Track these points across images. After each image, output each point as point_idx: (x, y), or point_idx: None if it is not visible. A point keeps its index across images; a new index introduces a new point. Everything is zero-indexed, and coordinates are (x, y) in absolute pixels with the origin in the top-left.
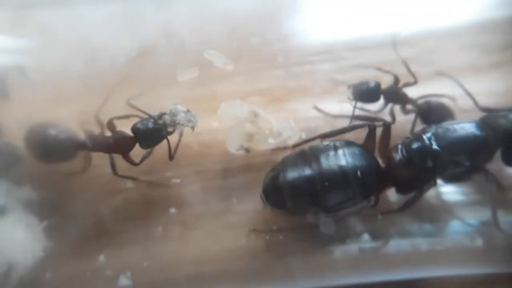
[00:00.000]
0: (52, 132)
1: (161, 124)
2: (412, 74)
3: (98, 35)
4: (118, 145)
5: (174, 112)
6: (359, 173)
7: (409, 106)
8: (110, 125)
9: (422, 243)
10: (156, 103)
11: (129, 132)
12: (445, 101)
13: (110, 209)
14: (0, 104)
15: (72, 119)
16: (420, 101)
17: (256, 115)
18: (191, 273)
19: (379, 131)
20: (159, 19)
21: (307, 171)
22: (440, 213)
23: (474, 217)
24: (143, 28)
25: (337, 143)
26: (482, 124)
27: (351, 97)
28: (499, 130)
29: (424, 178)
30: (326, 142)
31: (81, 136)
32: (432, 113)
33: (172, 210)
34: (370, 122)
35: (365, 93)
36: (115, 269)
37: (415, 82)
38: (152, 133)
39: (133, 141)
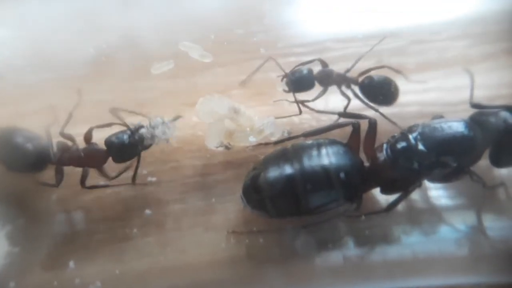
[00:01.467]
0: (20, 140)
1: (137, 138)
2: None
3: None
4: (90, 159)
5: (153, 125)
6: (342, 174)
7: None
8: (88, 136)
9: (407, 251)
10: (134, 97)
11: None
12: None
13: (81, 210)
14: None
15: (40, 113)
16: (361, 78)
17: (236, 111)
18: (165, 283)
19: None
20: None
21: (289, 172)
22: (426, 216)
23: (461, 221)
24: (116, 21)
25: (321, 142)
26: (470, 123)
27: (286, 88)
28: (488, 129)
29: (410, 179)
30: (309, 141)
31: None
32: (374, 87)
33: (148, 211)
34: (355, 119)
35: (299, 81)
36: (84, 277)
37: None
38: (126, 147)
39: (106, 155)
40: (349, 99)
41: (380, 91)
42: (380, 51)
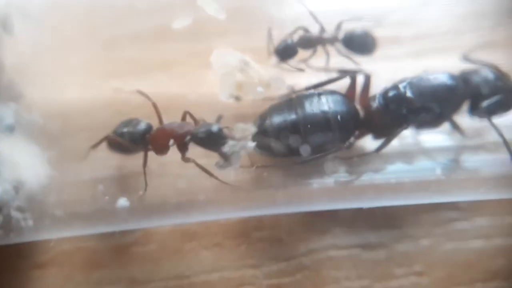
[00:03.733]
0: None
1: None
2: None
3: None
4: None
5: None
6: (339, 117)
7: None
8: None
9: (392, 177)
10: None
11: None
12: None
13: None
14: (3, 40)
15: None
16: (342, 34)
17: (246, 63)
18: (183, 200)
19: None
20: None
21: (292, 116)
22: (411, 155)
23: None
24: None
25: (321, 92)
26: (454, 76)
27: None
28: (469, 84)
29: (398, 123)
30: (311, 91)
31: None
32: (355, 39)
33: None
34: (351, 73)
35: (284, 50)
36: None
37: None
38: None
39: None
40: (328, 55)
41: (361, 41)
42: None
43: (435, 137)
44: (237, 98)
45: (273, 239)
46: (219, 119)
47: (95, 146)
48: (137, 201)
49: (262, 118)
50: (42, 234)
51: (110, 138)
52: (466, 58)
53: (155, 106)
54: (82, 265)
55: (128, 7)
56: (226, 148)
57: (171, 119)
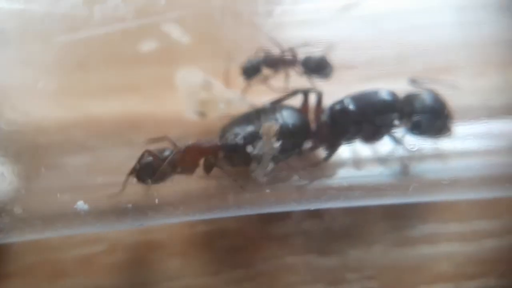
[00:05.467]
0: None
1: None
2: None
3: None
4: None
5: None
6: (289, 128)
7: None
8: None
9: (343, 182)
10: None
11: None
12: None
13: None
14: None
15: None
16: (302, 57)
17: (209, 82)
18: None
19: None
20: None
21: (250, 128)
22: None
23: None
24: None
25: (277, 106)
26: (393, 93)
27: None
28: (408, 104)
29: (342, 135)
30: (268, 106)
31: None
32: (312, 64)
33: None
34: (303, 91)
35: (250, 69)
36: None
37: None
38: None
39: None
40: (287, 76)
41: (318, 65)
42: None
43: (384, 146)
44: (202, 115)
45: (235, 248)
46: (182, 140)
47: (123, 188)
48: (96, 203)
49: (223, 131)
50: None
51: (138, 172)
52: (412, 82)
53: None
54: (47, 275)
55: (98, 34)
56: (255, 151)
57: (141, 137)
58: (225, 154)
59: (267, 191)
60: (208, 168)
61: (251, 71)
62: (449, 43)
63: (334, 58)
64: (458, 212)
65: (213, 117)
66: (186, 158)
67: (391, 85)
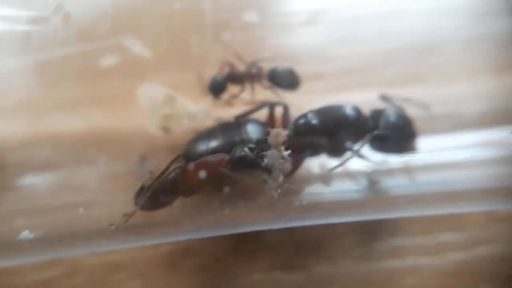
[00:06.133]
0: None
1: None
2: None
3: None
4: None
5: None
6: (252, 142)
7: None
8: None
9: (311, 199)
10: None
11: None
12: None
13: None
14: None
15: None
16: (267, 70)
17: (172, 98)
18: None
19: None
20: None
21: (214, 143)
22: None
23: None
24: None
25: (241, 121)
26: (356, 108)
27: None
28: (373, 120)
29: (306, 149)
30: (233, 121)
31: None
32: (278, 77)
33: None
34: (268, 104)
35: (216, 87)
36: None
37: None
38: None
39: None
40: (253, 90)
41: (284, 77)
42: None
43: (352, 161)
44: (166, 130)
45: (200, 267)
46: (142, 158)
47: (131, 215)
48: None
49: (187, 146)
50: None
51: (144, 205)
52: (382, 98)
53: None
54: None
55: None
56: (266, 161)
57: (106, 152)
58: (234, 167)
59: (238, 210)
60: (217, 185)
61: (217, 89)
62: (419, 50)
63: (301, 69)
64: (423, 224)
65: (178, 132)
66: (192, 176)
67: (361, 95)
